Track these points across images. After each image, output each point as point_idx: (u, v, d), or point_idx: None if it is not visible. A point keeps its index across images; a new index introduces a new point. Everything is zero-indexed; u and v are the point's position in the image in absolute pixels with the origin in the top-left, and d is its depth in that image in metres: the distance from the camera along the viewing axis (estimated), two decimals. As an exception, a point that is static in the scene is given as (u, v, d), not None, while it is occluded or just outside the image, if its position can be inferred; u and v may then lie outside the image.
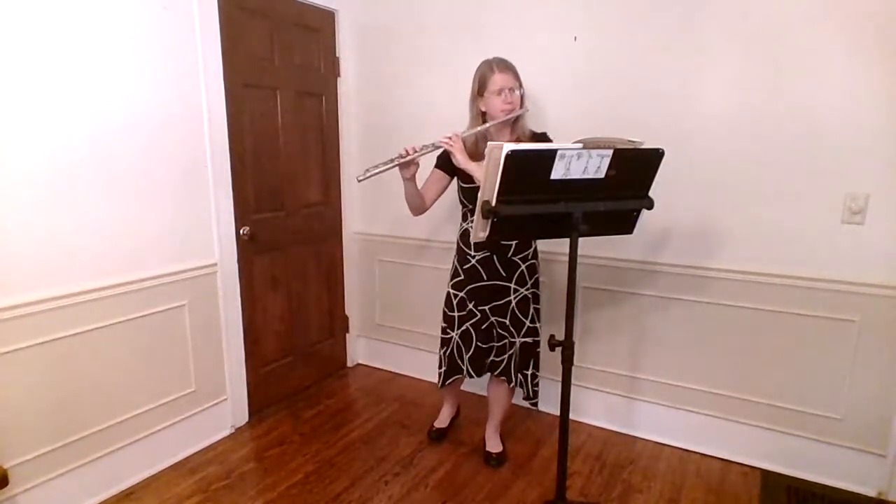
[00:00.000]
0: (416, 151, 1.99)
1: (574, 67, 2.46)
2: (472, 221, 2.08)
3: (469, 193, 2.09)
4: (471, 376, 2.28)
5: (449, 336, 2.27)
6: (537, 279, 2.21)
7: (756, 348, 2.27)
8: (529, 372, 2.23)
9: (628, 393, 2.58)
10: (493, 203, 1.54)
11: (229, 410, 2.59)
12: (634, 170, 1.67)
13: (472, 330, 2.20)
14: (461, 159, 1.97)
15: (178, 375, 2.34)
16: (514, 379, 2.22)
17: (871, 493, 2.13)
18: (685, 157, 2.25)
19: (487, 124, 2.02)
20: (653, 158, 1.67)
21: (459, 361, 2.27)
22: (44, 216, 1.84)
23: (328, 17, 2.94)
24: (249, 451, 2.45)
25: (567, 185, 1.58)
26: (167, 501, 2.10)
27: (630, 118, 2.36)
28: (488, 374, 2.30)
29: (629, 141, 1.63)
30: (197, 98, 2.29)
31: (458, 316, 2.23)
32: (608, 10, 2.36)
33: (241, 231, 2.56)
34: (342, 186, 3.14)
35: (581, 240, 1.69)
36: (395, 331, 3.20)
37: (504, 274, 2.14)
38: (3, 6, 1.69)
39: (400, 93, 2.95)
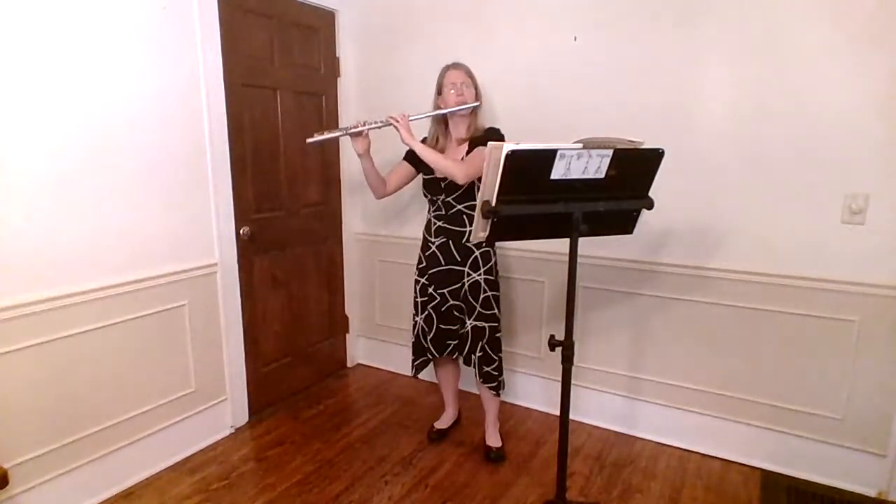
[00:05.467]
0: (364, 125, 2.15)
1: (573, 67, 2.46)
2: (432, 211, 2.27)
3: (427, 183, 2.27)
4: (434, 356, 2.37)
5: (415, 322, 2.38)
6: (492, 267, 2.27)
7: (756, 348, 2.27)
8: (478, 355, 2.27)
9: (628, 393, 2.58)
10: (493, 203, 1.54)
11: (229, 410, 2.59)
12: (634, 170, 1.67)
13: (433, 312, 2.32)
14: (405, 135, 2.12)
15: (178, 375, 2.34)
16: (469, 361, 2.30)
17: (871, 493, 2.13)
18: (685, 157, 2.25)
19: (442, 111, 2.20)
20: (653, 158, 1.67)
21: (424, 343, 2.36)
22: (44, 216, 1.84)
23: (328, 17, 2.94)
24: (249, 451, 2.45)
25: (567, 185, 1.58)
26: (167, 501, 2.10)
27: (630, 118, 2.36)
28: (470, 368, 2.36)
29: (629, 141, 1.63)
30: (197, 98, 2.29)
31: (421, 301, 2.35)
32: (607, 10, 2.36)
33: (241, 231, 2.56)
34: (342, 186, 3.14)
35: (581, 240, 1.69)
36: (396, 331, 3.20)
37: (459, 258, 2.25)
38: (3, 8, 1.69)
39: (400, 92, 2.95)
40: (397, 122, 2.12)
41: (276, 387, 2.87)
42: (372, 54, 3.03)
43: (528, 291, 2.75)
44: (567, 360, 1.76)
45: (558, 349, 1.74)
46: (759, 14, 2.08)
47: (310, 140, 2.14)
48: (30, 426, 1.87)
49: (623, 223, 1.79)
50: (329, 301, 3.17)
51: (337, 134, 2.16)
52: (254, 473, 2.29)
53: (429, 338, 2.35)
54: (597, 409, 2.65)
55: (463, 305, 2.27)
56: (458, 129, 2.23)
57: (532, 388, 2.81)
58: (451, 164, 2.10)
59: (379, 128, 2.15)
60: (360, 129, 2.14)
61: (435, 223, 2.28)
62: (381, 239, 3.18)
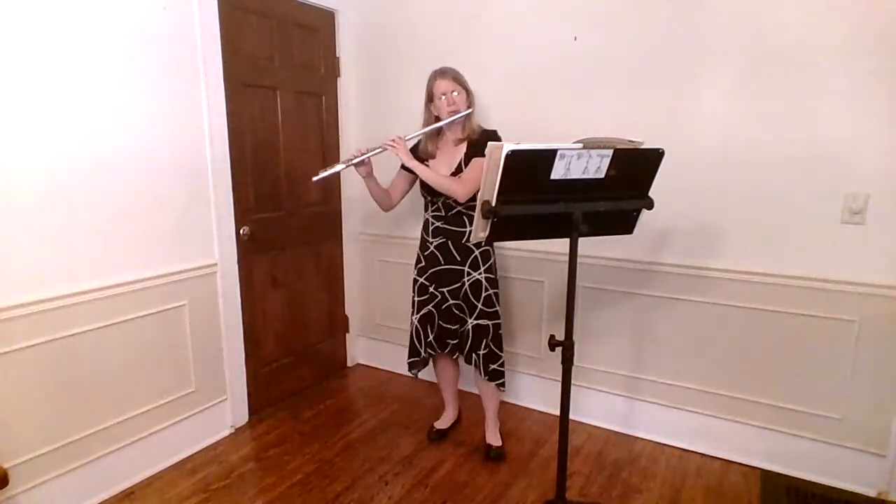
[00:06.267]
0: (363, 153, 2.19)
1: (573, 66, 2.46)
2: (431, 211, 2.28)
3: (425, 185, 2.24)
4: (432, 353, 2.39)
5: (412, 321, 2.39)
6: (492, 266, 2.29)
7: (756, 348, 2.27)
8: (482, 352, 2.28)
9: (628, 393, 2.58)
10: (493, 203, 1.54)
11: (229, 410, 2.59)
12: (634, 170, 1.68)
13: (434, 311, 2.33)
14: (404, 158, 2.18)
15: (178, 375, 2.34)
16: (471, 359, 2.31)
17: (871, 493, 2.13)
18: (685, 157, 2.25)
19: (436, 125, 2.22)
20: (653, 158, 1.67)
21: (417, 344, 2.38)
22: (44, 216, 1.84)
23: (328, 17, 2.94)
24: (249, 451, 2.45)
25: (567, 185, 1.58)
26: (167, 501, 2.10)
27: (630, 118, 2.36)
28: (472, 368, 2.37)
29: (629, 141, 1.63)
30: (197, 98, 2.29)
31: (419, 300, 2.36)
32: (609, 11, 2.36)
33: (241, 231, 2.56)
34: (342, 186, 3.14)
35: (581, 240, 1.69)
36: (396, 331, 3.20)
37: (459, 258, 2.26)
38: (3, 8, 1.69)
39: (399, 92, 2.95)
40: (395, 146, 2.16)
41: (276, 387, 2.86)
42: (372, 54, 3.03)
43: (527, 291, 2.75)
44: (567, 360, 1.76)
45: (558, 349, 1.74)
46: (760, 15, 2.08)
47: (315, 178, 2.18)
48: (30, 426, 1.87)
49: (623, 223, 1.79)
50: (329, 301, 3.17)
51: (340, 168, 2.20)
52: (254, 473, 2.29)
53: (428, 337, 2.35)
54: (597, 409, 2.65)
55: (463, 304, 2.28)
56: (454, 132, 2.24)
57: (532, 388, 2.81)
58: (451, 184, 2.14)
59: (378, 154, 2.19)
60: (360, 158, 2.19)
61: (433, 223, 2.29)
62: (381, 239, 3.18)
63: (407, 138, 2.20)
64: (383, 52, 2.99)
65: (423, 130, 2.24)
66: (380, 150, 2.19)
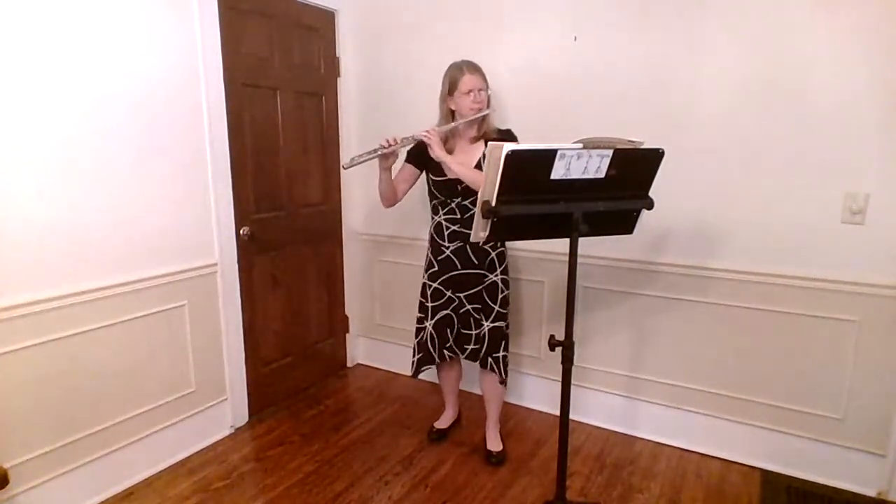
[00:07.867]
0: (396, 143, 2.12)
1: (572, 66, 2.46)
2: (443, 214, 2.22)
3: (440, 186, 2.20)
4: (452, 356, 2.36)
5: (423, 325, 2.36)
6: (507, 267, 2.29)
7: (756, 348, 2.27)
8: (500, 354, 2.28)
9: (628, 393, 2.58)
10: (493, 203, 1.54)
11: (229, 410, 2.59)
12: (634, 170, 1.68)
13: (453, 315, 2.29)
14: (438, 152, 2.10)
15: (178, 375, 2.34)
16: (486, 363, 2.29)
17: (871, 493, 2.13)
18: (685, 158, 2.25)
19: (459, 121, 2.15)
20: (653, 158, 1.67)
21: (432, 350, 2.34)
22: (44, 216, 1.84)
23: (328, 17, 2.94)
24: (249, 451, 2.45)
25: (567, 185, 1.58)
26: (167, 501, 2.10)
27: (629, 118, 2.36)
28: (479, 370, 2.36)
29: (629, 141, 1.63)
30: (197, 98, 2.29)
31: (432, 306, 2.32)
32: (607, 9, 2.36)
33: (241, 231, 2.56)
34: (342, 186, 3.14)
35: (581, 240, 1.69)
36: (395, 331, 3.20)
37: (476, 262, 2.24)
38: (3, 5, 1.69)
39: (400, 92, 2.95)
40: (429, 137, 2.09)
41: (276, 387, 2.87)
42: (372, 54, 3.03)
43: (528, 291, 2.75)
44: (567, 360, 1.76)
45: (558, 349, 1.74)
46: (760, 12, 2.08)
47: (346, 165, 2.18)
48: (30, 426, 1.87)
49: (623, 223, 1.79)
50: (329, 301, 3.17)
51: (372, 156, 2.12)
52: (254, 473, 2.29)
53: (447, 341, 2.31)
54: (597, 409, 2.65)
55: (480, 307, 2.26)
56: (470, 131, 2.20)
57: (532, 389, 2.81)
58: (482, 178, 2.09)
59: (409, 144, 2.15)
60: (393, 148, 2.11)
61: (449, 227, 2.24)
62: (381, 239, 3.18)
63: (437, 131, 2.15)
64: (383, 51, 2.99)
65: (449, 126, 2.16)
66: (411, 140, 2.13)
